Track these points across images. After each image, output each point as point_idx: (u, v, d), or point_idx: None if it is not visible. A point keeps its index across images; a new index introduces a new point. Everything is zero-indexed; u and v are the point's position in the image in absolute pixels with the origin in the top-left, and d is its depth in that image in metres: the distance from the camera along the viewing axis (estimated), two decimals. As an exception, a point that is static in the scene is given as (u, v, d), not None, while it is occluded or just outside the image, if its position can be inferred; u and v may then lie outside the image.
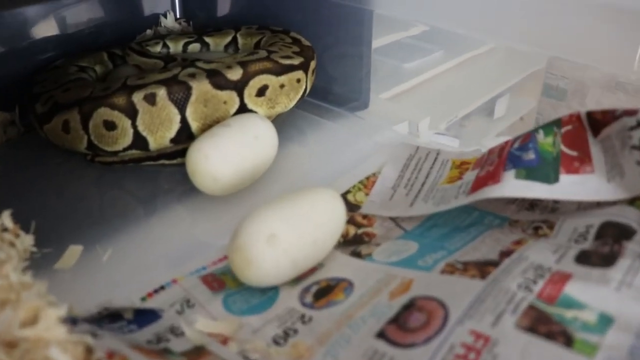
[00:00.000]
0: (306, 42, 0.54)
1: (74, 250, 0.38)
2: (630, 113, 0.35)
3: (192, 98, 0.44)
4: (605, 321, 0.26)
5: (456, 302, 0.29)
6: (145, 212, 0.44)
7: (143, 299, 0.33)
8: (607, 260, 0.30)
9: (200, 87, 0.44)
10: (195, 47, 0.58)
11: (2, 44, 0.56)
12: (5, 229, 0.33)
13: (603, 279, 0.28)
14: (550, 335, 0.25)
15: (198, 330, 0.30)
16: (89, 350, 0.25)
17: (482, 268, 0.31)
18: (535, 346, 0.25)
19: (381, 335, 0.28)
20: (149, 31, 0.65)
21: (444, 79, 0.84)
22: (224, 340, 0.30)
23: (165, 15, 0.66)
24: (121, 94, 0.43)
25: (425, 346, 0.27)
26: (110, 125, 0.44)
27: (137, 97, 0.43)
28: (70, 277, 0.36)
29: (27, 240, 0.34)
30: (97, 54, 0.57)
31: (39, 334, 0.24)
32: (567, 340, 0.25)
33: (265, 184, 0.45)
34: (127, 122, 0.44)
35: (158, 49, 0.58)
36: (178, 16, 0.68)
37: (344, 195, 0.44)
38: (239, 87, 0.45)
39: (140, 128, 0.44)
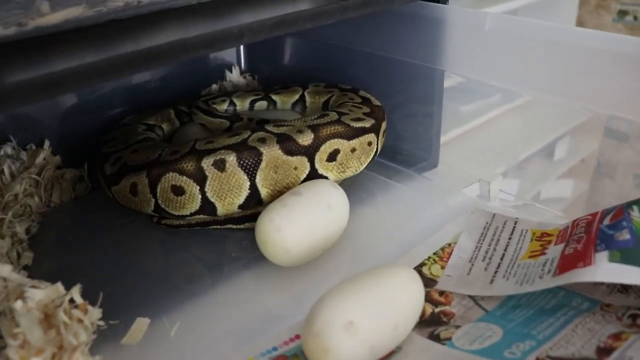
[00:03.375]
0: (376, 102, 0.54)
1: (141, 324, 0.38)
2: None
3: (263, 164, 0.44)
4: None
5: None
6: (212, 279, 0.44)
7: (214, 384, 0.33)
8: None
9: (271, 153, 0.44)
10: (262, 104, 0.59)
11: (70, 99, 0.58)
12: (75, 306, 0.34)
13: None
14: None
15: None
16: None
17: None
18: None
19: None
20: (214, 86, 0.66)
21: (502, 123, 0.82)
22: None
23: (230, 70, 0.68)
24: (190, 160, 0.44)
25: None
26: (178, 191, 0.44)
27: (207, 163, 0.43)
28: (137, 353, 0.36)
29: (95, 315, 0.34)
30: (164, 111, 0.58)
31: None
32: None
33: (337, 253, 0.45)
34: (196, 188, 0.44)
35: (225, 106, 0.59)
36: (243, 70, 0.70)
37: (419, 268, 0.42)
38: (310, 153, 0.45)
39: (209, 194, 0.44)
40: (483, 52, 0.49)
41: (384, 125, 0.52)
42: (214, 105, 0.58)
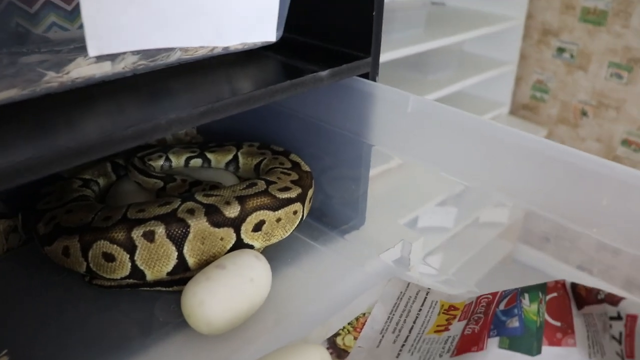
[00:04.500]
0: (305, 167, 0.57)
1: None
2: (612, 302, 0.37)
3: (190, 236, 0.47)
4: None
5: None
6: (140, 341, 0.46)
7: None
8: None
9: (199, 226, 0.47)
10: (197, 162, 0.62)
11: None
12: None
13: None
14: None
15: None
16: None
17: None
18: None
19: None
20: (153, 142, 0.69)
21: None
22: None
23: (171, 119, 0.70)
24: (121, 229, 0.46)
25: None
26: (109, 257, 0.47)
27: (137, 234, 0.46)
28: None
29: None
30: (100, 165, 0.60)
31: None
32: None
33: (259, 320, 0.48)
34: (126, 256, 0.47)
35: (160, 162, 0.61)
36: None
37: (333, 338, 0.46)
38: (236, 224, 0.48)
39: (138, 262, 0.47)
40: (405, 131, 0.53)
41: (310, 192, 0.55)
42: (150, 162, 0.60)
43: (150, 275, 0.48)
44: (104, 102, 0.43)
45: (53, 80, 0.41)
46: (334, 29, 0.55)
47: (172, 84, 0.47)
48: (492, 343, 0.39)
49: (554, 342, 0.39)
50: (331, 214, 0.62)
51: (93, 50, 0.37)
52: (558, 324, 0.40)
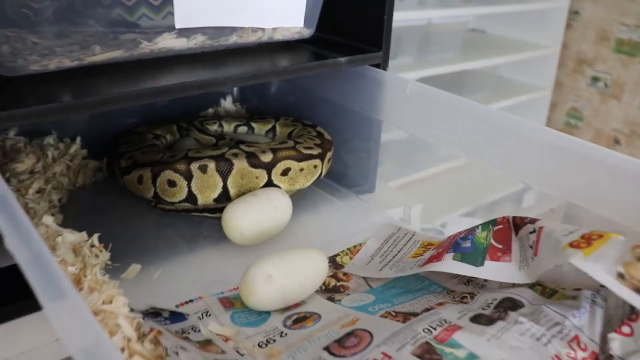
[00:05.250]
0: (327, 136, 0.73)
1: (135, 268, 0.56)
2: (532, 222, 0.51)
3: (233, 172, 0.63)
4: (472, 357, 0.41)
5: (380, 334, 0.45)
6: (189, 248, 0.62)
7: (177, 306, 0.51)
8: (490, 321, 0.45)
9: (240, 165, 0.63)
10: (243, 129, 0.78)
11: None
12: (93, 246, 0.52)
13: (481, 333, 0.44)
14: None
15: (210, 330, 0.47)
16: (139, 325, 0.42)
17: (407, 316, 0.48)
18: None
19: (326, 348, 0.45)
20: (210, 110, 0.86)
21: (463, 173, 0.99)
22: (226, 339, 0.47)
23: (225, 98, 0.87)
24: (182, 162, 0.63)
25: (352, 357, 0.43)
26: (172, 183, 0.63)
27: (194, 166, 0.62)
28: (131, 284, 0.55)
29: (105, 256, 0.53)
30: (169, 126, 0.77)
31: (112, 309, 0.42)
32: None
33: (279, 241, 0.63)
34: (184, 183, 0.63)
35: (215, 127, 0.78)
36: (235, 99, 0.89)
37: (333, 257, 0.61)
38: (268, 167, 0.64)
39: (193, 188, 0.63)
40: (406, 110, 0.68)
41: (329, 154, 0.71)
42: (207, 125, 0.77)
43: (200, 200, 0.64)
44: (179, 66, 0.60)
45: (146, 47, 0.59)
46: (355, 29, 0.71)
47: (229, 59, 0.63)
48: (449, 257, 0.53)
49: (495, 258, 0.52)
50: (347, 177, 0.77)
51: (179, 23, 0.54)
52: (500, 246, 0.53)
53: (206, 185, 0.63)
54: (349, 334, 0.46)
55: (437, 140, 0.65)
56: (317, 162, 0.68)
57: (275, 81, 0.86)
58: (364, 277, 0.58)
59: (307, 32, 0.68)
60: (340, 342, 0.45)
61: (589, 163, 0.51)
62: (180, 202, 0.65)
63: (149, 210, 0.68)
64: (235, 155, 0.64)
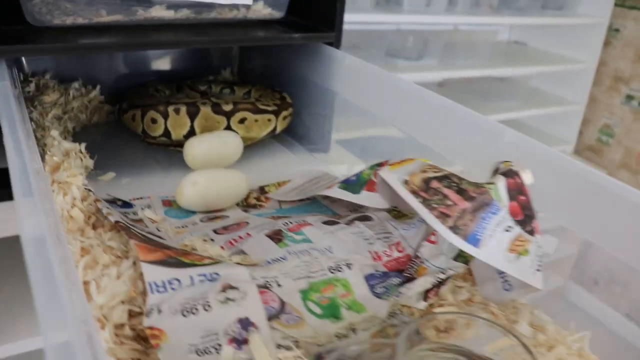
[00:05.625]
0: (288, 99, 0.90)
1: (110, 174, 0.76)
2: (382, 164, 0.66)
3: (199, 115, 0.81)
4: (305, 240, 0.57)
5: (255, 224, 0.61)
6: (162, 171, 0.81)
7: (130, 200, 0.70)
8: (334, 224, 0.61)
9: (205, 110, 0.81)
10: (226, 91, 0.97)
11: (116, 68, 0.98)
12: (81, 152, 0.72)
13: (323, 229, 0.59)
14: (275, 239, 0.57)
15: (145, 215, 0.66)
16: (87, 195, 0.61)
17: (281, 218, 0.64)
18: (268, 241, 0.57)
19: (214, 230, 0.62)
20: (211, 77, 1.05)
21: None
22: (153, 222, 0.65)
23: (225, 69, 1.06)
24: (163, 105, 0.82)
25: (226, 235, 0.60)
26: (153, 121, 0.83)
27: (170, 108, 0.81)
28: (105, 184, 0.74)
29: (89, 161, 0.72)
30: (170, 84, 0.97)
31: (71, 180, 0.61)
32: (279, 240, 0.57)
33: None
34: (162, 121, 0.82)
35: (204, 87, 0.97)
36: (232, 71, 1.08)
37: (263, 186, 0.78)
38: (228, 115, 0.82)
39: (169, 125, 0.82)
40: (349, 82, 0.84)
41: (285, 113, 0.87)
42: (198, 86, 0.96)
43: (174, 136, 0.83)
44: (167, 32, 0.79)
45: (141, 15, 0.78)
46: (317, 13, 0.87)
47: (209, 30, 0.82)
48: (336, 186, 0.68)
49: (370, 190, 0.67)
50: (306, 137, 0.94)
51: (156, -7, 0.73)
52: (375, 180, 0.68)
53: (178, 124, 0.82)
54: (237, 224, 0.63)
55: (371, 109, 0.81)
56: (272, 117, 0.85)
57: (259, 56, 1.04)
58: (278, 201, 0.74)
59: (278, 14, 0.86)
60: (227, 228, 0.62)
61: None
62: (159, 136, 0.84)
63: (139, 143, 0.88)
64: (204, 103, 0.82)
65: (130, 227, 0.53)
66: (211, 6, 0.80)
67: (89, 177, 0.69)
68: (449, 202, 0.50)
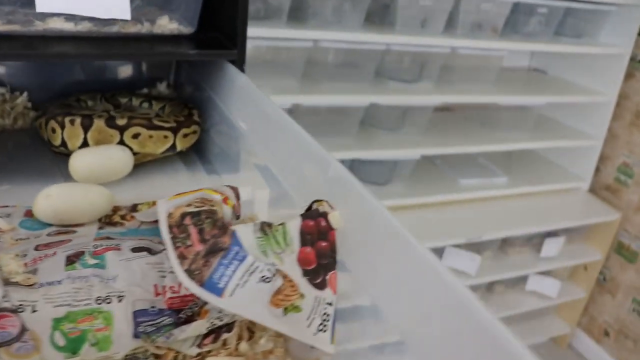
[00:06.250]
0: (196, 117, 0.90)
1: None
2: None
3: (93, 127, 0.83)
4: (98, 266, 0.57)
5: (78, 242, 0.62)
6: (62, 179, 0.84)
7: (-9, 206, 0.73)
8: (143, 250, 0.60)
9: (98, 123, 0.83)
10: (145, 105, 0.98)
11: (47, 77, 1.02)
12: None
13: (127, 257, 0.59)
14: (70, 261, 0.57)
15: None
16: None
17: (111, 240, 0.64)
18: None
19: (37, 247, 0.63)
20: (145, 89, 1.08)
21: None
22: (1, 231, 0.67)
23: (160, 82, 1.08)
24: (61, 115, 0.84)
25: (43, 251, 0.61)
26: (53, 130, 0.85)
27: (67, 119, 0.84)
28: (-17, 192, 0.77)
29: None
30: (95, 94, 1.00)
31: None
32: (72, 262, 0.57)
33: (112, 186, 0.82)
34: (60, 131, 0.85)
35: (125, 100, 0.99)
36: (169, 84, 1.10)
37: (137, 204, 0.78)
38: (121, 129, 0.84)
39: (65, 136, 0.84)
40: (240, 104, 0.83)
41: (186, 130, 0.88)
42: (118, 98, 0.99)
43: (70, 146, 0.85)
44: (69, 43, 0.82)
45: (39, 26, 0.81)
46: (225, 29, 0.88)
47: (113, 43, 0.84)
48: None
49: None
50: (217, 157, 0.94)
51: (39, 7, 0.76)
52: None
53: (73, 135, 0.84)
54: (59, 241, 0.64)
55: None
56: (168, 133, 0.86)
57: (186, 71, 1.05)
58: (140, 221, 0.75)
59: (187, 30, 0.87)
60: (48, 244, 0.63)
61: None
62: (59, 146, 0.86)
63: (48, 151, 0.91)
64: (100, 116, 0.84)
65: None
66: (111, 21, 0.83)
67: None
68: (189, 243, 0.49)
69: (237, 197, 0.66)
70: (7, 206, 0.74)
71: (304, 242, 0.49)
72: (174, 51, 0.82)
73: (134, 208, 0.78)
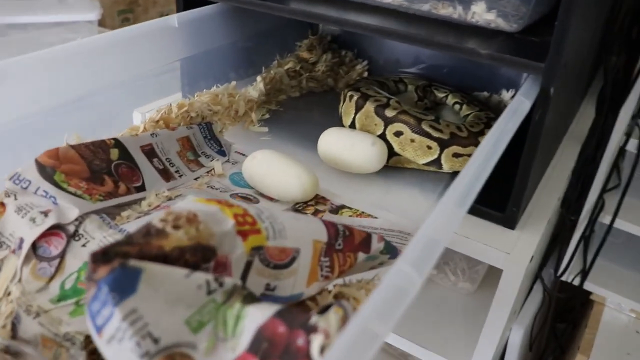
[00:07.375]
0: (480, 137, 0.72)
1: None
2: None
3: (363, 110, 0.76)
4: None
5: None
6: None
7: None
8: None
9: (369, 107, 0.75)
10: (457, 107, 0.84)
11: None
12: None
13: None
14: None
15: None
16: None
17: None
18: None
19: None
20: (485, 93, 0.91)
21: None
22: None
23: (508, 89, 0.90)
24: (353, 89, 0.80)
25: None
26: (343, 100, 0.82)
27: (349, 93, 0.79)
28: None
29: None
30: (417, 80, 0.91)
31: None
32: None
33: (356, 178, 0.74)
34: (341, 103, 0.81)
35: (441, 95, 0.87)
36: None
37: (342, 207, 0.68)
38: (387, 121, 0.73)
39: (342, 110, 0.80)
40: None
41: (457, 149, 0.71)
42: (435, 91, 0.87)
43: (344, 122, 0.80)
44: (378, 16, 0.76)
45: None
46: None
47: (422, 24, 0.73)
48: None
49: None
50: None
51: None
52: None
53: (348, 111, 0.79)
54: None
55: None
56: (433, 144, 0.71)
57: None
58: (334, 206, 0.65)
59: (508, 27, 0.68)
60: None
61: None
62: (339, 116, 0.83)
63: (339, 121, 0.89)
64: (378, 101, 0.76)
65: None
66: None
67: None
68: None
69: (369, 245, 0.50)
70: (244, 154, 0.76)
71: (253, 348, 0.32)
72: (461, 46, 0.64)
73: (336, 209, 0.68)
